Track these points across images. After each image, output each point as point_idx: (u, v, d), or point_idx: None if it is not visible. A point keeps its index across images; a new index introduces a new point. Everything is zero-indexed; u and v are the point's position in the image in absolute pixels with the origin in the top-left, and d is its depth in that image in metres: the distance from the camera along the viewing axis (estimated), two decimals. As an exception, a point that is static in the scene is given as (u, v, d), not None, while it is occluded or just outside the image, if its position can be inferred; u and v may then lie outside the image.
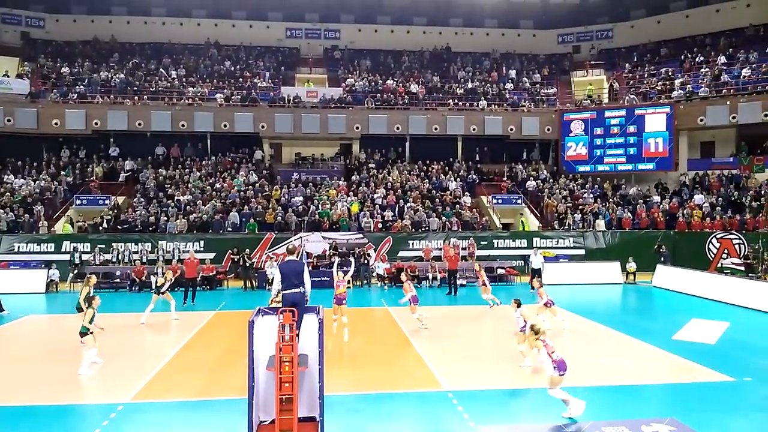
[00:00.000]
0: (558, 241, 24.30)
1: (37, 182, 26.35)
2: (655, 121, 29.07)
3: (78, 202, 25.36)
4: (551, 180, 29.73)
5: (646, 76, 32.75)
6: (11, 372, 10.54)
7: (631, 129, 29.50)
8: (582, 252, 24.17)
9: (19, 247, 22.07)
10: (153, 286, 17.41)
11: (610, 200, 27.53)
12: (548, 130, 31.04)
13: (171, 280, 15.79)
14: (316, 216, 24.46)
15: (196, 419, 8.13)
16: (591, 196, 27.81)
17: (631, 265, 21.99)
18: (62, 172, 27.33)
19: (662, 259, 22.34)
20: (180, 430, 7.83)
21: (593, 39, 36.86)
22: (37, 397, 9.12)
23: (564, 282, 21.27)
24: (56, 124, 28.09)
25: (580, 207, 26.58)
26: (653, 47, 34.51)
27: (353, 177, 28.56)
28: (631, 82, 32.88)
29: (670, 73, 31.55)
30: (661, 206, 26.61)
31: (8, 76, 29.64)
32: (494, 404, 8.74)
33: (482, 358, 11.36)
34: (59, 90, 29.55)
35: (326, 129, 29.79)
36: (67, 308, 15.78)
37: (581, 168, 30.51)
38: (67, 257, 21.80)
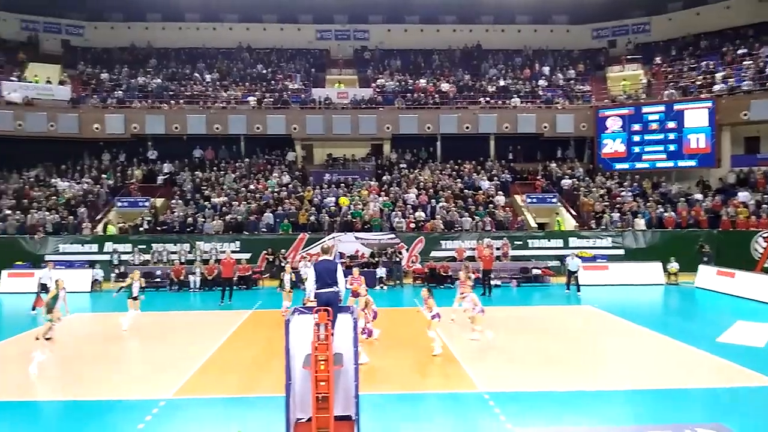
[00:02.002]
0: (595, 241, 23.71)
1: (80, 185, 27.26)
2: (696, 116, 28.10)
3: (119, 204, 26.19)
4: (587, 178, 29.07)
5: (685, 70, 31.70)
6: (59, 368, 10.92)
7: (671, 125, 28.57)
8: (621, 252, 23.52)
9: (63, 248, 22.88)
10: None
11: (650, 198, 26.75)
12: (583, 127, 30.37)
13: (137, 280, 14.60)
14: (349, 216, 24.57)
15: (235, 415, 8.26)
16: (630, 194, 27.06)
17: (673, 266, 21.32)
18: (103, 176, 28.18)
19: (705, 259, 21.60)
20: (220, 425, 7.97)
21: (629, 33, 35.88)
22: (82, 393, 9.41)
23: (603, 283, 20.84)
24: (97, 128, 29.00)
25: (618, 206, 25.92)
26: (692, 40, 33.38)
27: (384, 177, 28.55)
28: (670, 76, 31.89)
29: (711, 67, 30.47)
30: (704, 204, 25.72)
31: (51, 83, 30.76)
32: (532, 406, 8.59)
33: (518, 358, 11.20)
34: (99, 95, 30.51)
35: (357, 130, 29.90)
36: (110, 307, 16.28)
37: (618, 165, 29.72)
38: (109, 257, 22.60)
